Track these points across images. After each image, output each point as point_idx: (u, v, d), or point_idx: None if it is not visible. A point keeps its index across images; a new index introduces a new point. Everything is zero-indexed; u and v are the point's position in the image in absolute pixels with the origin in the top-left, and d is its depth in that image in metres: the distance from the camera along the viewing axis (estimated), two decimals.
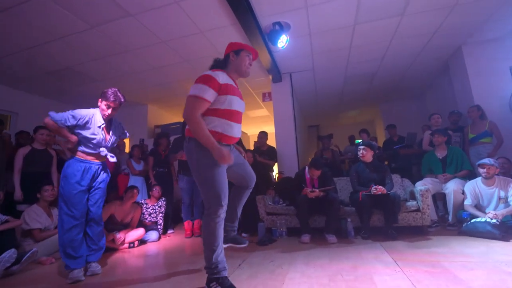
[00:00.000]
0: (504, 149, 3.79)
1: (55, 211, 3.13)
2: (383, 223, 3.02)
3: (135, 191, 3.49)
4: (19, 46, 3.89)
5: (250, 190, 1.95)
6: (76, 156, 2.22)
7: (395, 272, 1.82)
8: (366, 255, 2.30)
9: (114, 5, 3.17)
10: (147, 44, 4.07)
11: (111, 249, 3.10)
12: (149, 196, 4.06)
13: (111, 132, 2.36)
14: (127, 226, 3.41)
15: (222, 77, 1.68)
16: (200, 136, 1.59)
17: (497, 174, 2.96)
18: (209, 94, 1.61)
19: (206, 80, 1.62)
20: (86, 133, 2.19)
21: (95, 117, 2.23)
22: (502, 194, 2.86)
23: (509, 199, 2.81)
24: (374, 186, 3.02)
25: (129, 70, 4.87)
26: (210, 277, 1.63)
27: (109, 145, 2.35)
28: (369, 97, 7.15)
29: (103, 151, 2.29)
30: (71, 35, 3.70)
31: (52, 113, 2.10)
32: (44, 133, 3.45)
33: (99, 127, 2.24)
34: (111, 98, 2.23)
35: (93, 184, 2.31)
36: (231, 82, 1.75)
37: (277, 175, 5.22)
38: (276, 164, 5.13)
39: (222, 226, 1.68)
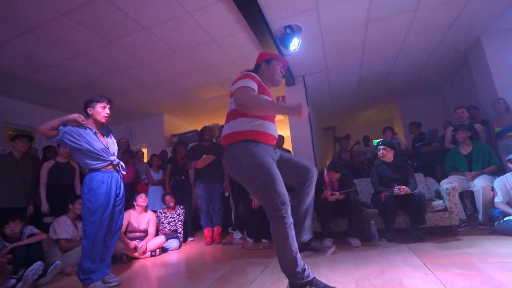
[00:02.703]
0: None
1: (80, 224, 3.23)
2: (408, 225, 2.91)
3: (143, 195, 3.54)
4: (42, 65, 4.09)
5: (311, 185, 1.80)
6: (97, 169, 2.20)
7: (425, 275, 1.74)
8: (393, 258, 2.22)
9: (129, 19, 3.28)
10: (161, 56, 4.18)
11: (134, 258, 3.15)
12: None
13: (105, 139, 2.33)
14: (145, 233, 3.46)
15: (259, 79, 1.74)
16: (270, 108, 1.57)
17: None
18: (254, 86, 1.64)
19: (248, 76, 1.68)
20: (86, 144, 2.16)
21: (84, 129, 2.21)
22: None
23: None
24: (397, 186, 2.92)
25: (144, 81, 5.01)
26: (300, 283, 1.49)
27: (113, 152, 2.33)
28: (385, 95, 6.98)
29: (115, 159, 2.29)
30: (89, 51, 3.86)
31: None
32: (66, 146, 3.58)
33: (95, 133, 2.23)
34: (102, 99, 2.23)
35: (118, 193, 2.31)
36: (265, 85, 1.80)
37: None
38: None
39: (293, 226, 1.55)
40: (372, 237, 2.90)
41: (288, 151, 4.73)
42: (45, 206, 3.34)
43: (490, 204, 2.97)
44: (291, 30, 3.74)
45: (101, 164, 2.22)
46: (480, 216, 3.07)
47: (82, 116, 2.20)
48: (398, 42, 4.38)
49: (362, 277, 1.83)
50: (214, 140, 4.52)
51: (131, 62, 4.28)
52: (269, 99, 1.58)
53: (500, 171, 3.23)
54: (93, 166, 2.21)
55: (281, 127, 8.55)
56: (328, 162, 3.67)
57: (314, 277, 1.53)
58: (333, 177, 3.23)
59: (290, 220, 1.53)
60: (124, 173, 2.41)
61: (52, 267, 2.47)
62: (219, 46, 4.05)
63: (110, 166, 2.28)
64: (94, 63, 4.19)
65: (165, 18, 3.34)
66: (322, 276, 1.92)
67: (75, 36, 3.47)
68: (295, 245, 1.52)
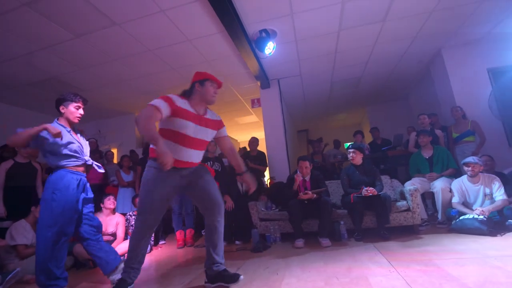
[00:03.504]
0: (486, 147, 3.92)
1: None
2: (376, 224, 3.05)
3: (111, 197, 3.40)
4: (1, 57, 3.78)
5: (217, 219, 1.92)
6: (66, 168, 2.04)
7: (389, 272, 1.83)
8: (360, 256, 2.31)
9: (99, 13, 3.14)
10: (133, 53, 4.04)
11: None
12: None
13: (79, 137, 2.20)
14: (114, 237, 3.31)
15: (179, 102, 1.80)
16: (145, 133, 1.61)
17: (481, 172, 3.05)
18: (164, 107, 1.70)
19: (164, 98, 1.76)
20: (62, 142, 2.00)
21: (59, 126, 2.06)
22: (487, 191, 2.94)
23: (494, 195, 2.90)
24: (365, 188, 3.06)
25: (115, 79, 4.81)
26: (126, 274, 1.86)
27: (87, 152, 2.21)
28: (356, 100, 7.30)
29: (89, 160, 2.19)
30: (55, 45, 3.64)
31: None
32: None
33: (69, 131, 2.09)
34: (77, 98, 2.13)
35: (86, 196, 2.15)
36: (190, 109, 1.84)
37: (268, 180, 5.21)
38: (267, 169, 5.13)
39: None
40: (341, 237, 3.00)
41: (263, 153, 4.78)
42: (1, 210, 3.08)
43: (448, 204, 3.20)
44: (267, 34, 3.79)
45: (72, 163, 2.07)
46: (439, 216, 3.30)
47: (54, 127, 1.98)
48: (368, 50, 4.61)
49: (331, 275, 1.89)
50: None
51: (100, 58, 4.09)
52: (153, 128, 1.63)
53: (457, 173, 3.50)
54: (62, 164, 2.03)
55: (256, 129, 8.66)
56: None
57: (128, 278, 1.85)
58: (303, 168, 3.32)
59: (145, 235, 1.85)
60: (102, 171, 2.32)
61: (11, 274, 2.28)
62: (194, 46, 4.00)
63: (82, 169, 2.14)
64: (60, 58, 3.95)
65: (138, 15, 3.24)
66: (293, 275, 1.96)
67: (38, 28, 3.25)
68: (142, 251, 1.87)
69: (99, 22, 3.28)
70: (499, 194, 2.86)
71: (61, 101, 2.12)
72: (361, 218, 3.04)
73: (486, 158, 3.49)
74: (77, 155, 2.10)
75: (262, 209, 3.50)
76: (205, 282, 1.91)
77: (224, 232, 3.51)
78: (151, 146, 1.86)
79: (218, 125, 2.02)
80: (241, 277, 1.86)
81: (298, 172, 3.37)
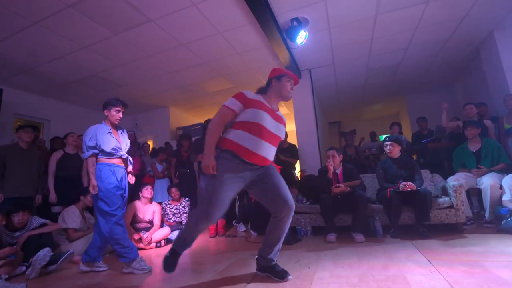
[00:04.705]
0: None
1: (87, 214, 3.30)
2: (413, 221, 2.89)
3: (149, 187, 3.57)
4: (49, 57, 4.11)
5: (283, 220, 1.85)
6: (102, 162, 2.37)
7: (430, 272, 1.73)
8: (396, 254, 2.21)
9: (135, 11, 3.27)
10: (167, 48, 4.17)
11: (139, 249, 3.19)
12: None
13: (120, 137, 2.52)
14: (151, 224, 3.51)
15: (252, 95, 1.85)
16: (207, 135, 1.75)
17: None
18: (235, 105, 1.80)
19: (236, 95, 1.84)
20: (102, 142, 2.35)
21: (100, 129, 2.41)
22: None
23: None
24: (403, 183, 2.89)
25: (150, 74, 5.01)
26: (171, 249, 1.91)
27: (125, 149, 2.52)
28: (393, 89, 6.87)
29: (124, 154, 2.47)
30: (95, 44, 3.87)
31: (83, 154, 2.39)
32: (74, 136, 3.65)
33: (109, 133, 2.41)
34: (118, 103, 2.46)
35: (122, 186, 2.43)
36: (264, 102, 1.87)
37: (299, 173, 5.15)
38: (298, 162, 5.07)
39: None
40: (376, 233, 2.89)
41: (294, 145, 4.71)
42: (53, 196, 3.40)
43: (497, 202, 2.93)
44: (298, 22, 3.68)
45: (108, 157, 2.40)
46: (487, 214, 3.03)
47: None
48: (408, 35, 4.29)
49: (366, 272, 1.83)
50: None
51: (137, 55, 4.28)
52: (212, 137, 1.75)
53: (509, 169, 3.17)
54: (101, 157, 2.39)
55: (287, 121, 8.55)
56: None
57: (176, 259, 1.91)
58: (330, 157, 3.25)
59: (201, 227, 1.82)
60: (131, 167, 2.58)
61: (65, 255, 2.53)
62: (225, 39, 4.02)
63: (118, 161, 2.45)
64: (101, 56, 4.20)
65: (171, 10, 3.32)
66: (326, 270, 1.93)
67: (81, 27, 3.48)
68: (193, 237, 1.88)
69: (135, 19, 3.42)
70: None
71: (106, 105, 2.47)
72: (398, 214, 2.88)
73: None
74: (113, 151, 2.41)
75: None
76: (256, 270, 1.96)
77: (255, 223, 3.59)
78: (224, 136, 1.83)
79: (284, 123, 1.99)
80: (290, 276, 1.80)
81: (329, 161, 3.28)
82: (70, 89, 5.30)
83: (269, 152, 1.82)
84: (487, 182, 3.03)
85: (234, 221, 4.35)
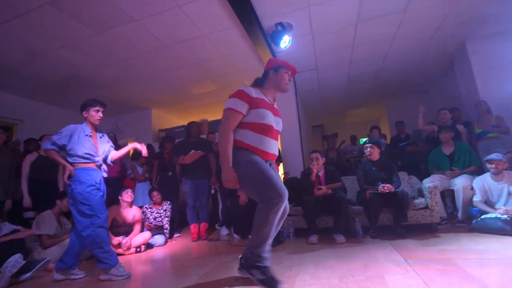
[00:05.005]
0: (510, 142, 3.73)
1: (64, 220, 3.17)
2: (392, 222, 2.99)
3: (129, 190, 3.49)
4: (25, 54, 3.93)
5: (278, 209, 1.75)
6: (79, 167, 2.29)
7: (406, 271, 1.80)
8: (375, 254, 2.28)
9: (118, 10, 3.19)
10: (151, 49, 4.10)
11: (118, 254, 3.09)
12: None
13: (98, 141, 2.46)
14: (131, 228, 3.41)
15: (254, 93, 1.78)
16: (221, 149, 1.68)
17: (505, 169, 2.91)
18: (241, 106, 1.71)
19: (238, 94, 1.75)
20: (76, 144, 2.29)
21: (78, 130, 2.34)
22: None
23: None
24: (382, 184, 2.99)
25: (133, 75, 4.90)
26: (252, 264, 1.66)
27: (102, 155, 2.45)
28: (374, 94, 7.10)
29: (98, 161, 2.40)
30: (76, 42, 3.74)
31: (44, 143, 2.30)
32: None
33: (87, 135, 2.35)
34: (96, 103, 2.41)
35: (102, 189, 2.39)
36: (264, 98, 1.83)
37: (282, 176, 5.19)
38: (281, 164, 5.11)
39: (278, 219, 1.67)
40: (356, 234, 2.96)
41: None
42: (27, 200, 3.25)
43: (469, 202, 3.09)
44: (282, 27, 3.74)
45: (83, 161, 2.33)
46: (459, 214, 3.19)
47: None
48: (387, 42, 4.46)
49: (346, 273, 1.87)
50: (205, 136, 4.49)
51: (119, 55, 4.18)
52: (228, 149, 1.67)
53: (480, 171, 3.35)
54: (76, 162, 2.31)
55: None
56: None
57: (268, 267, 1.66)
58: (314, 160, 3.29)
59: (278, 213, 1.62)
60: (105, 175, 2.50)
61: (41, 263, 2.40)
62: (210, 41, 4.01)
63: (93, 165, 2.38)
64: (81, 55, 4.07)
65: (155, 11, 3.28)
66: (307, 272, 1.96)
67: (60, 25, 3.36)
68: (272, 233, 1.66)
69: (118, 19, 3.34)
70: None
71: (84, 106, 2.41)
72: (377, 215, 2.98)
73: (511, 155, 3.33)
74: (88, 156, 2.34)
75: None
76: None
77: (238, 226, 3.58)
78: (236, 138, 1.75)
79: (280, 116, 1.96)
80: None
81: (312, 164, 3.34)
82: (46, 89, 5.08)
83: (276, 147, 1.86)
84: (459, 183, 3.19)
85: (217, 224, 4.33)
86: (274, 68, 1.87)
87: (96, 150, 2.40)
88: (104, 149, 2.49)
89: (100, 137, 2.51)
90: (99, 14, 3.24)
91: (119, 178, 4.42)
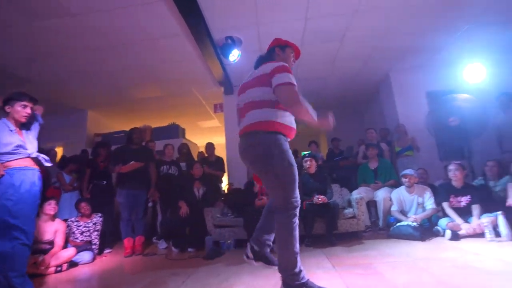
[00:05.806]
0: (421, 160, 4.40)
1: None
2: (324, 231, 3.22)
3: (52, 201, 3.12)
4: None
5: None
6: (13, 166, 2.00)
7: (333, 277, 1.96)
8: (308, 262, 2.41)
9: (54, 2, 2.90)
10: (92, 48, 3.81)
11: (34, 275, 2.69)
12: None
13: (24, 136, 2.15)
14: (51, 245, 3.02)
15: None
16: (308, 116, 1.63)
17: (416, 183, 3.41)
18: (295, 81, 1.61)
19: (290, 70, 1.64)
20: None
21: (3, 125, 2.05)
22: (420, 200, 3.30)
23: (425, 205, 3.26)
24: (316, 196, 3.22)
25: (68, 72, 4.45)
26: (297, 284, 1.52)
27: (33, 148, 2.16)
28: (315, 111, 7.65)
29: (33, 153, 2.12)
30: (4, 30, 3.26)
31: None
32: None
33: (10, 130, 2.06)
34: (23, 97, 2.10)
35: (38, 193, 2.15)
36: None
37: (227, 186, 5.20)
38: (225, 175, 5.12)
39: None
40: None
41: (221, 158, 4.77)
42: None
43: (388, 212, 3.53)
44: (232, 41, 3.84)
45: (15, 158, 2.03)
46: (380, 223, 3.60)
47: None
48: (328, 66, 4.92)
49: (279, 281, 1.94)
50: (144, 144, 4.25)
51: (54, 47, 3.77)
52: (309, 110, 1.64)
53: (398, 184, 3.86)
54: (7, 160, 2.00)
55: (218, 134, 8.61)
56: None
57: (308, 279, 1.57)
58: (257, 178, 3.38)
59: (297, 221, 1.59)
60: (50, 164, 2.25)
61: None
62: (157, 45, 3.89)
63: (29, 163, 2.10)
64: (11, 46, 3.56)
65: (99, 7, 3.07)
66: (243, 282, 1.99)
67: None
68: (297, 246, 1.56)
69: (56, 10, 3.03)
70: (429, 203, 3.22)
71: (7, 101, 2.08)
72: (312, 224, 3.19)
73: (422, 171, 3.92)
74: (18, 151, 2.05)
75: (218, 215, 3.48)
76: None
77: (178, 239, 3.44)
78: (273, 119, 1.64)
79: None
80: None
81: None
82: None
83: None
84: (381, 195, 3.62)
85: (155, 238, 4.08)
86: (281, 47, 1.82)
87: (23, 143, 2.09)
88: (35, 144, 2.20)
89: (26, 133, 2.17)
90: (34, 1, 2.91)
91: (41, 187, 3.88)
